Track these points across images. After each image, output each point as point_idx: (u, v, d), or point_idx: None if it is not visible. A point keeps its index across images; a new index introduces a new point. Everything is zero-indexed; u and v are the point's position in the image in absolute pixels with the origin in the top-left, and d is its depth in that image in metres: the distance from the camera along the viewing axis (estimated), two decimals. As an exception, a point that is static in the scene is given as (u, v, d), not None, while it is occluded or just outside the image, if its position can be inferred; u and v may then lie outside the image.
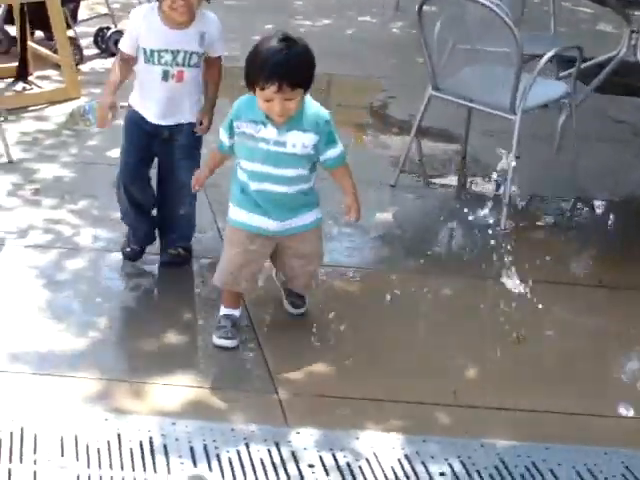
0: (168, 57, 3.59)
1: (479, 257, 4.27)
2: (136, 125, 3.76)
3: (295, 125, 3.17)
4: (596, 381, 3.49)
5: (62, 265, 3.91)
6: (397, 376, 3.35)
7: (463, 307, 3.88)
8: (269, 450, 2.85)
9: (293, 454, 2.84)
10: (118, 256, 3.98)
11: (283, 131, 3.17)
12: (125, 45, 3.69)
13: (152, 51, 3.59)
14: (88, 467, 2.68)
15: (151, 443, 2.83)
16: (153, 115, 3.72)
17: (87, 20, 6.74)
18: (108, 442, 2.80)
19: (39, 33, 6.47)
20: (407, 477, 2.80)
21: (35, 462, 2.67)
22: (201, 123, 3.73)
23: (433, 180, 5.09)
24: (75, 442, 2.77)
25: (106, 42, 6.56)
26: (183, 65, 3.61)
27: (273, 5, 7.96)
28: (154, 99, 3.69)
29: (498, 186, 4.84)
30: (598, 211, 5.01)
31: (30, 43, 6.02)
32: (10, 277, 3.78)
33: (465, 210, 4.60)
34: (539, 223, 4.70)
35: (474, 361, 3.50)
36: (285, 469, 2.78)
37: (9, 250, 3.97)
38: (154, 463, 2.75)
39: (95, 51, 6.59)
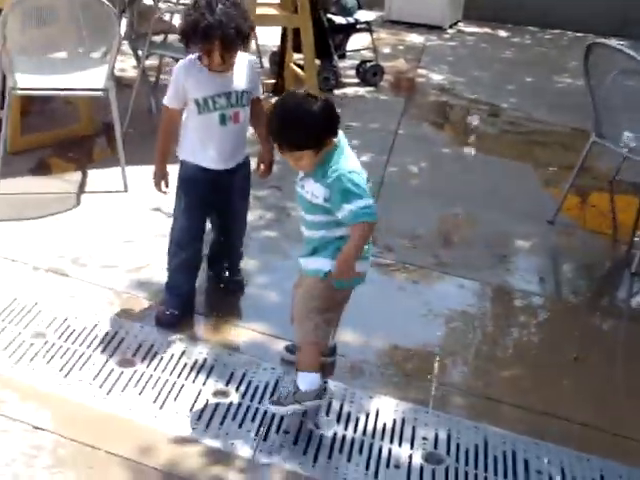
0: (222, 101, 3.54)
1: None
2: (194, 180, 3.66)
3: (312, 174, 3.13)
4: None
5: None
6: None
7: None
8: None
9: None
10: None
11: (304, 177, 3.19)
12: (173, 101, 3.58)
13: (205, 99, 3.52)
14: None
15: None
16: (214, 162, 3.63)
17: (352, 51, 7.50)
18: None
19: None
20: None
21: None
22: (258, 166, 3.77)
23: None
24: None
25: (365, 73, 7.29)
26: (237, 105, 3.58)
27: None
28: (214, 146, 3.61)
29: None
30: None
31: (291, 64, 6.89)
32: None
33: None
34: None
35: None
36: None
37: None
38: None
39: (355, 80, 7.32)
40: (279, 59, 6.94)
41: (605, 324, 4.24)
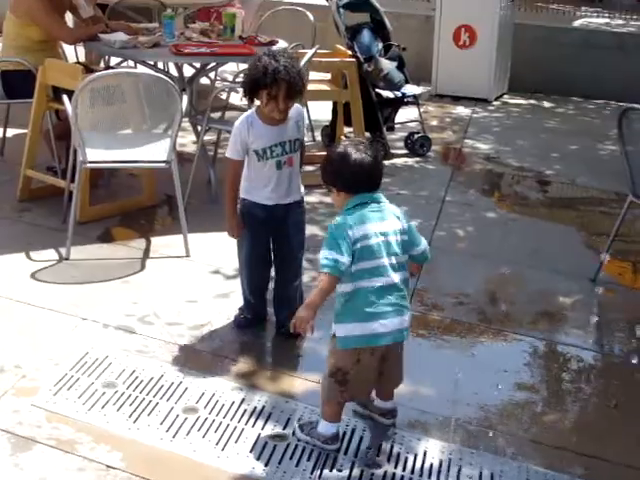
0: (279, 149, 4.01)
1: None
2: (253, 216, 4.11)
3: None
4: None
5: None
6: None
7: None
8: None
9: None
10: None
11: None
12: (235, 153, 4.02)
13: (265, 149, 3.98)
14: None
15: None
16: (270, 199, 4.08)
17: (401, 124, 7.82)
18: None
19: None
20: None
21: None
22: None
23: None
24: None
25: (413, 144, 7.59)
26: (291, 152, 4.05)
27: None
28: (270, 187, 4.06)
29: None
30: None
31: (342, 137, 7.22)
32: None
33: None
34: None
35: None
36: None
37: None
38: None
39: (404, 151, 7.62)
40: (330, 132, 7.28)
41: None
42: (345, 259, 3.24)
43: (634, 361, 4.43)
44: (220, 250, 5.20)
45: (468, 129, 8.66)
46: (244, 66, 4.88)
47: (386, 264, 3.34)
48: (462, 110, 9.43)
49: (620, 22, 11.49)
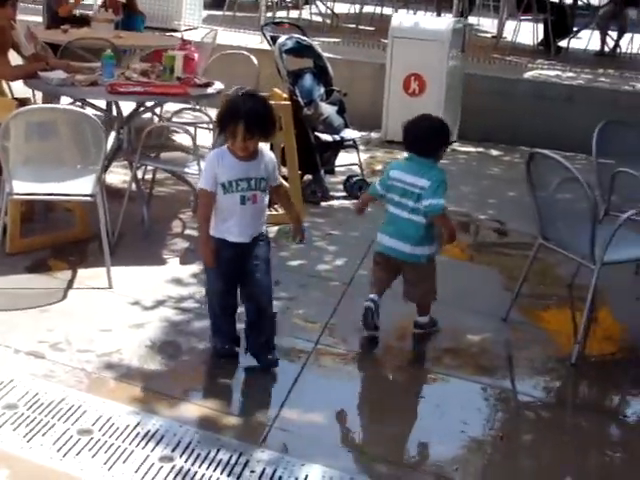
0: (244, 184, 4.27)
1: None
2: (219, 250, 4.35)
3: None
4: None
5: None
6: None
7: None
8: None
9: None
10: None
11: None
12: (208, 184, 4.29)
13: (230, 182, 4.25)
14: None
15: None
16: (234, 235, 4.33)
17: (340, 166, 8.03)
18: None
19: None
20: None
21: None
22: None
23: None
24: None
25: (351, 186, 7.78)
26: (256, 189, 4.31)
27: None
28: (234, 222, 4.31)
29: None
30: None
31: (281, 178, 7.42)
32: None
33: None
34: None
35: None
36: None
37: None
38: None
39: (343, 194, 7.82)
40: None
41: (537, 411, 4.58)
42: None
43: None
44: (143, 283, 5.38)
45: (411, 175, 8.87)
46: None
47: None
48: (409, 156, 9.65)
49: (571, 75, 11.80)
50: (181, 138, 7.89)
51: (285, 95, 7.12)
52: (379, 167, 9.02)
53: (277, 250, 6.01)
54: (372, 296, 4.97)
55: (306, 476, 3.69)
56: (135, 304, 5.18)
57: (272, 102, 6.92)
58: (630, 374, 5.06)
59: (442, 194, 4.83)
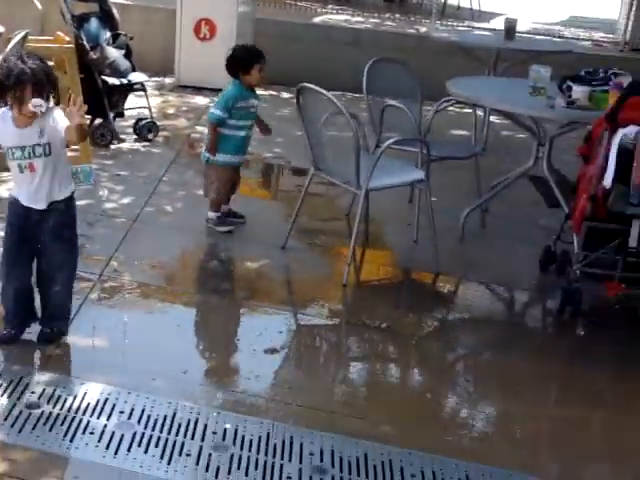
0: (18, 153, 4.05)
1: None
2: (13, 205, 4.19)
3: None
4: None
5: None
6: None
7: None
8: None
9: None
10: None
11: None
12: None
13: (8, 149, 4.08)
14: None
15: None
16: (25, 200, 4.14)
17: (129, 109, 8.13)
18: None
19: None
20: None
21: None
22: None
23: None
24: None
25: (140, 129, 7.92)
26: (31, 157, 4.04)
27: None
28: (22, 188, 4.15)
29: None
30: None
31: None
32: None
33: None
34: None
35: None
36: None
37: None
38: None
39: (133, 136, 7.95)
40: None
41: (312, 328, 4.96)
42: None
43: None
44: None
45: (202, 116, 9.07)
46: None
47: None
48: (200, 100, 9.83)
49: (359, 19, 12.24)
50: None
51: (68, 39, 7.15)
52: (171, 111, 9.19)
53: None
54: None
55: (85, 393, 3.90)
56: None
57: (56, 45, 7.05)
58: (394, 295, 5.53)
59: (219, 106, 5.85)
